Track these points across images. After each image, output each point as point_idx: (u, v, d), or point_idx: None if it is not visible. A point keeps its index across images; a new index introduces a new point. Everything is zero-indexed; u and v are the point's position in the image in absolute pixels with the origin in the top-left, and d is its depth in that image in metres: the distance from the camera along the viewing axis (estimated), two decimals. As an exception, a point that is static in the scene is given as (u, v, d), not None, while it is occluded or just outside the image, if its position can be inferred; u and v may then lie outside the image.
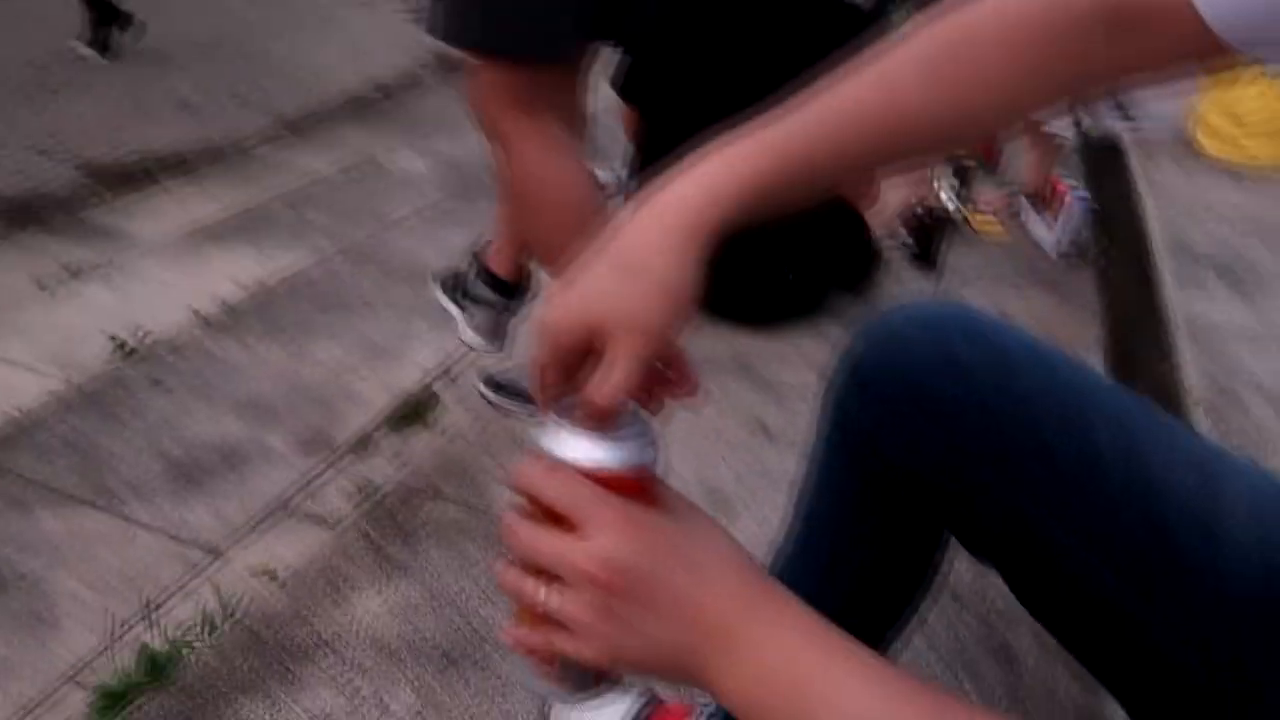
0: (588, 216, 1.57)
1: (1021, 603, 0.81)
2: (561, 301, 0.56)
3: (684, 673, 0.51)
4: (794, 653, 0.49)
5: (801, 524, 0.95)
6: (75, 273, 2.96)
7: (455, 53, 1.58)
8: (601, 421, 0.53)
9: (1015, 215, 3.25)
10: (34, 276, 2.90)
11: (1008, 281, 2.86)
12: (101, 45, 5.13)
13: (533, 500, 0.52)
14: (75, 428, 2.02)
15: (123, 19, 5.14)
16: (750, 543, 1.68)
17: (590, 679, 0.56)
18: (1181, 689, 0.69)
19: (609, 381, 0.53)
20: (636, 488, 0.52)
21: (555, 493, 0.51)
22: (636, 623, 0.50)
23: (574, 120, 1.75)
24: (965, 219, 3.18)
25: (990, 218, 3.22)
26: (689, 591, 0.50)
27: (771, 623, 0.50)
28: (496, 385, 2.01)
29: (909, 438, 0.78)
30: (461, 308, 2.06)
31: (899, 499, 0.83)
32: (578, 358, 0.56)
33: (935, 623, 1.47)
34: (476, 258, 2.03)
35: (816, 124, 0.58)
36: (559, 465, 0.52)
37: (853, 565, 0.92)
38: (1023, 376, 0.74)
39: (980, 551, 0.82)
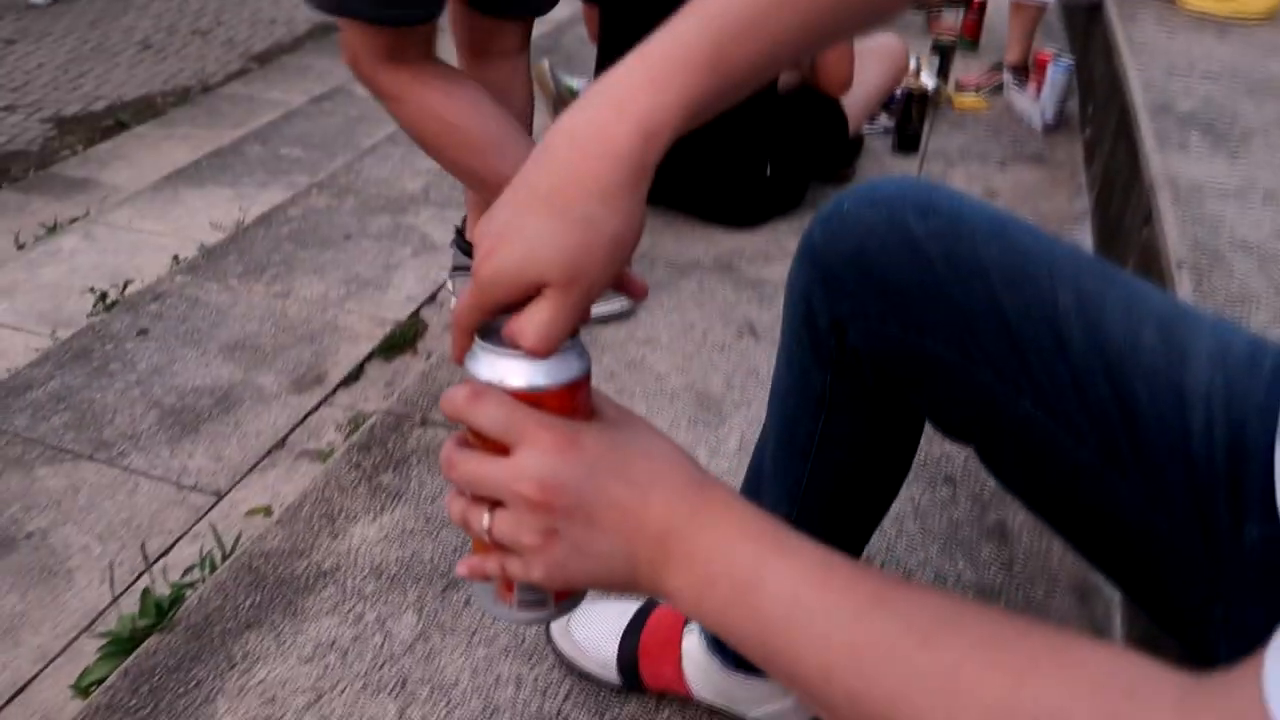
0: (501, 135, 1.60)
1: (997, 479, 0.80)
2: (499, 256, 0.52)
3: (636, 584, 0.51)
4: (734, 553, 0.48)
5: (776, 420, 0.95)
6: (52, 228, 2.94)
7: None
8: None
9: (999, 90, 3.18)
10: (11, 234, 2.89)
11: (993, 159, 2.81)
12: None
13: (467, 427, 0.52)
14: (66, 383, 2.02)
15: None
16: (744, 444, 1.67)
17: (549, 599, 0.56)
18: (1154, 552, 0.69)
19: (548, 330, 0.50)
20: (569, 403, 0.51)
21: (483, 417, 0.50)
22: (581, 540, 0.50)
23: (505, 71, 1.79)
24: (948, 98, 3.12)
25: (973, 95, 3.16)
26: (630, 503, 0.50)
27: (714, 525, 0.49)
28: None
29: (870, 322, 0.77)
30: (452, 279, 2.12)
31: (870, 386, 0.82)
32: (514, 306, 0.53)
33: (929, 506, 1.48)
34: (457, 232, 2.07)
35: (739, 20, 0.55)
36: (486, 389, 0.50)
37: (831, 458, 0.91)
38: (980, 248, 0.72)
39: (953, 433, 0.82)
